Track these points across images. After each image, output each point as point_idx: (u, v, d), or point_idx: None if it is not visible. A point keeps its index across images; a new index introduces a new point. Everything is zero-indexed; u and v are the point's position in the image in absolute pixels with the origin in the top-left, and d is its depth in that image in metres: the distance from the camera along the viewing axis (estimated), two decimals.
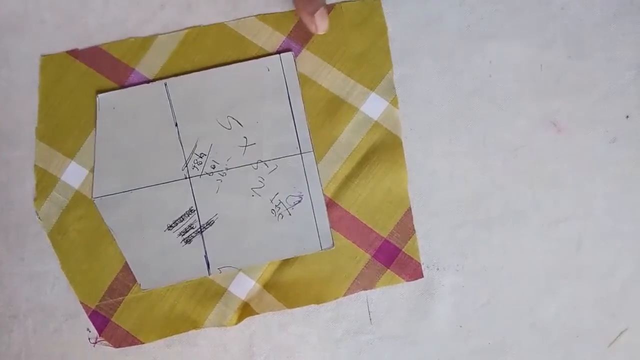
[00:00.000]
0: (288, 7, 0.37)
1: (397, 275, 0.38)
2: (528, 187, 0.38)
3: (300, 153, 0.37)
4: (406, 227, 0.38)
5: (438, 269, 0.38)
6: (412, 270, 0.38)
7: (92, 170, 0.37)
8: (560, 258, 0.38)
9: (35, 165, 0.37)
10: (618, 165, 0.37)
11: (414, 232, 0.38)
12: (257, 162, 0.37)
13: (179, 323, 0.39)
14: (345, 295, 0.38)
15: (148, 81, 0.37)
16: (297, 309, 0.39)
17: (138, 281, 0.38)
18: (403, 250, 0.38)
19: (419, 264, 0.38)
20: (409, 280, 0.38)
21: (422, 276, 0.38)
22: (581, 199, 0.37)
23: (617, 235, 0.38)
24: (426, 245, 0.38)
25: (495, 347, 0.39)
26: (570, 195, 0.38)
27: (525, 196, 0.38)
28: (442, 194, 0.38)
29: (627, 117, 0.37)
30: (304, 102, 0.37)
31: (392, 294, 0.39)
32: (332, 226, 0.38)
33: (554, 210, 0.38)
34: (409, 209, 0.38)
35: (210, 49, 0.37)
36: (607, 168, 0.37)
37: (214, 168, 0.38)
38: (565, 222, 0.38)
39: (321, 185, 0.38)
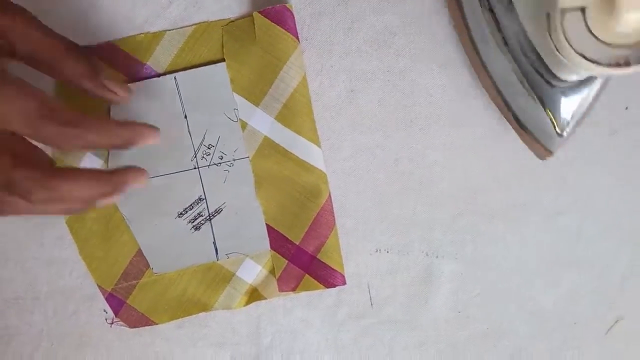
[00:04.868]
0: (288, 2, 0.38)
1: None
2: (528, 178, 0.38)
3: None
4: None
5: (437, 256, 0.39)
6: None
7: (106, 161, 0.39)
8: (560, 249, 0.39)
9: (53, 154, 0.39)
10: (617, 158, 0.37)
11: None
12: None
13: (190, 305, 0.41)
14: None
15: (158, 75, 0.39)
16: (302, 294, 0.40)
17: (151, 266, 0.40)
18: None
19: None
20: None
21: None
22: (581, 191, 0.38)
23: (616, 227, 0.39)
24: (426, 234, 0.39)
25: (493, 333, 0.40)
26: (569, 187, 0.38)
27: (525, 188, 0.39)
28: (443, 185, 0.39)
29: (627, 108, 0.37)
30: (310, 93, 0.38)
31: (392, 281, 0.40)
32: None
33: (553, 202, 0.38)
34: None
35: (217, 44, 0.38)
36: (607, 160, 0.38)
37: (221, 159, 0.39)
38: (565, 214, 0.39)
39: (326, 175, 0.39)
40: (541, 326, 0.40)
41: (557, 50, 0.29)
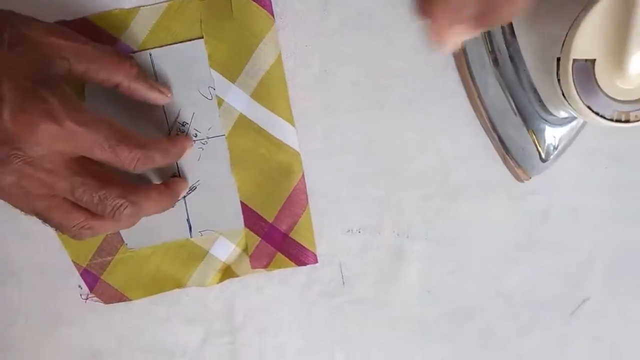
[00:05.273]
0: None
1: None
2: (496, 160, 0.39)
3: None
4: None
5: (408, 236, 0.40)
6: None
7: None
8: (526, 230, 0.40)
9: None
10: (584, 141, 0.38)
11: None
12: None
13: (164, 282, 0.41)
14: None
15: (134, 52, 0.39)
16: (274, 272, 0.41)
17: (125, 241, 0.40)
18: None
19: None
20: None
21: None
22: (548, 172, 0.38)
23: (581, 209, 0.39)
24: (398, 214, 0.40)
25: (461, 312, 0.41)
26: None
27: (495, 170, 0.39)
28: (413, 166, 0.39)
29: None
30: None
31: (364, 260, 0.40)
32: None
33: (522, 184, 0.39)
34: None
35: (191, 20, 0.38)
36: (574, 143, 0.38)
37: (196, 136, 0.39)
38: (533, 196, 0.39)
39: (300, 154, 0.39)
40: (509, 306, 0.40)
41: (563, 96, 0.30)
